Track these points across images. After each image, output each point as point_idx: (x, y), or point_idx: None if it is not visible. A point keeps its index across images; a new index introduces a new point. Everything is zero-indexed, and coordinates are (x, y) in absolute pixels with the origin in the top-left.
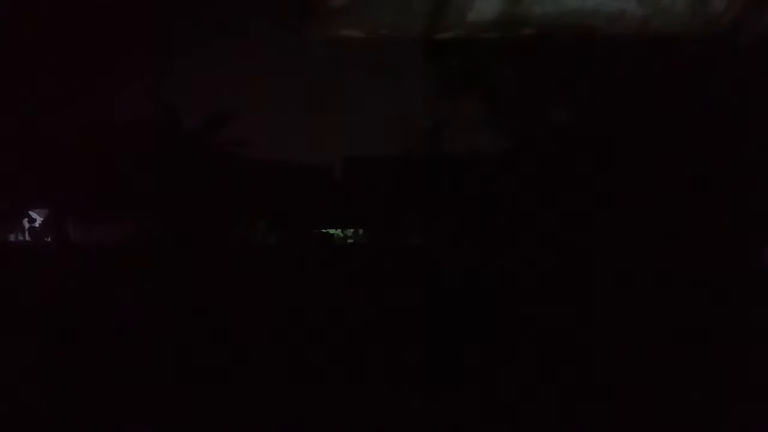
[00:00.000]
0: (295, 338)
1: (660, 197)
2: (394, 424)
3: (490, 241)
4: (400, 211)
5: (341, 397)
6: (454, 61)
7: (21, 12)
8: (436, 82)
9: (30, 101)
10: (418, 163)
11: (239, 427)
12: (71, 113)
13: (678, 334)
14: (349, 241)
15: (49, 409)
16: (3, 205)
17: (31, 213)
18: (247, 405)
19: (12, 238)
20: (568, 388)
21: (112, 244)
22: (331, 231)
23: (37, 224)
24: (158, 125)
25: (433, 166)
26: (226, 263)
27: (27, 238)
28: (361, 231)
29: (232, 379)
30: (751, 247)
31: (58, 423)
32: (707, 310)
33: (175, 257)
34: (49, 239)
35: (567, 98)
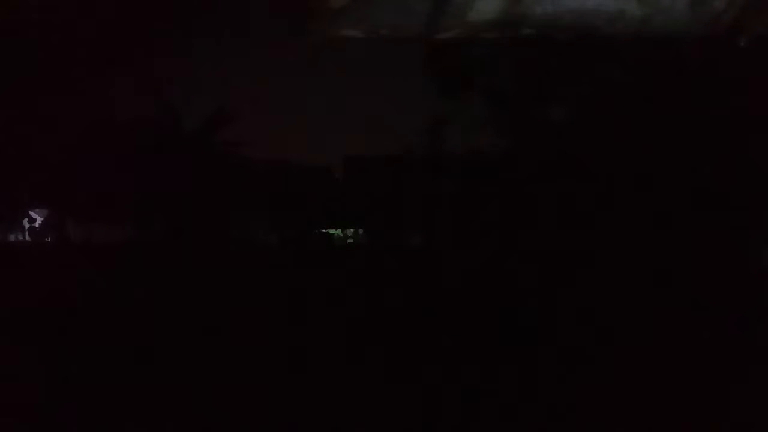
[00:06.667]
0: (295, 337)
1: (660, 196)
2: (394, 423)
3: (490, 240)
4: (400, 211)
5: (341, 396)
6: (454, 60)
7: (21, 12)
8: (436, 82)
9: (30, 101)
10: (418, 163)
11: (240, 427)
12: (72, 113)
13: (678, 332)
14: (349, 241)
15: (48, 408)
16: (3, 205)
17: (31, 213)
18: (248, 404)
19: (12, 238)
20: (569, 388)
21: (112, 243)
22: (331, 231)
23: (37, 224)
24: (159, 125)
25: (433, 165)
26: (227, 262)
27: (27, 238)
28: (361, 231)
29: (232, 379)
30: (752, 245)
31: (59, 422)
32: (709, 309)
33: (175, 256)
34: (50, 239)
35: (567, 98)
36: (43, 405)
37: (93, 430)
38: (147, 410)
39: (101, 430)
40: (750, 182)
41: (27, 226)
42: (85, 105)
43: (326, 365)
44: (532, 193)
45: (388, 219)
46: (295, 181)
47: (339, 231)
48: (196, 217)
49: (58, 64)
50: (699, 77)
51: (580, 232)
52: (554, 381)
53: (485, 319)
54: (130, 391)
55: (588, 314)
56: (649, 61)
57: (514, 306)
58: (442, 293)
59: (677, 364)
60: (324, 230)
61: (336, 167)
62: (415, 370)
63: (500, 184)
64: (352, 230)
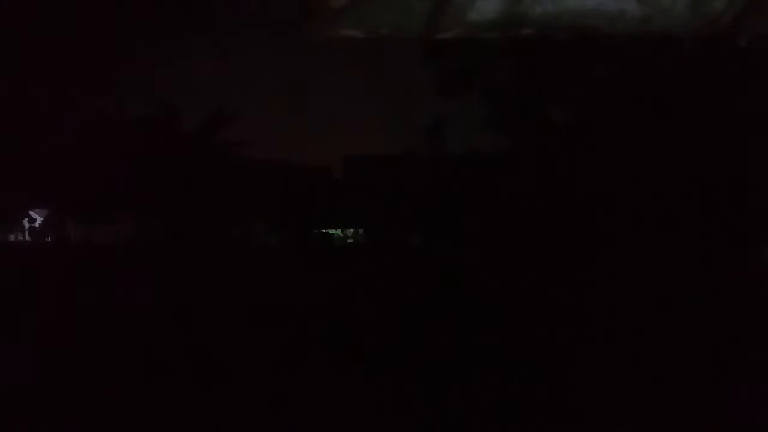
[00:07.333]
0: (294, 337)
1: (659, 196)
2: (393, 423)
3: (490, 240)
4: (400, 211)
5: (341, 395)
6: (454, 61)
7: (21, 12)
8: (436, 82)
9: (31, 101)
10: (418, 163)
11: (239, 427)
12: (72, 113)
13: (677, 333)
14: (349, 241)
15: (49, 408)
16: (3, 205)
17: (31, 213)
18: (248, 404)
19: (12, 238)
20: (569, 388)
21: (112, 243)
22: (331, 231)
23: (37, 224)
24: (159, 125)
25: (433, 165)
26: (227, 262)
27: (27, 238)
28: (361, 231)
29: (232, 379)
30: (751, 243)
31: (58, 423)
32: (708, 309)
33: (175, 256)
34: (50, 239)
35: (566, 98)
36: (42, 404)
37: (93, 430)
38: (147, 410)
39: (100, 431)
40: (750, 182)
41: (27, 226)
42: (85, 105)
43: (326, 365)
44: (531, 192)
45: (388, 219)
46: (295, 181)
47: (339, 231)
48: (196, 217)
49: (58, 64)
50: (699, 77)
51: (579, 232)
52: (554, 381)
53: (485, 318)
54: (130, 392)
55: (588, 314)
56: (649, 60)
57: (514, 305)
58: (441, 293)
59: (677, 363)
60: (324, 230)
61: (336, 167)
62: (415, 370)
63: (500, 184)
64: (352, 230)
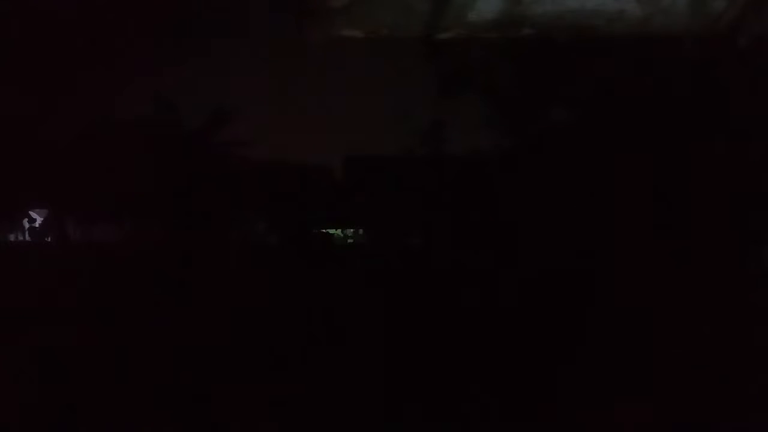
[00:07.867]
0: (294, 338)
1: (660, 196)
2: (393, 424)
3: (489, 240)
4: (399, 210)
5: (340, 396)
6: (454, 61)
7: (21, 13)
8: (436, 82)
9: (30, 102)
10: (418, 163)
11: (238, 425)
12: (71, 114)
13: (678, 334)
14: (349, 241)
15: (48, 409)
16: (3, 205)
17: (31, 213)
18: (247, 404)
19: (12, 238)
20: (568, 387)
21: (112, 244)
22: (331, 231)
23: (37, 224)
24: (159, 125)
25: (433, 165)
26: (226, 263)
27: (27, 238)
28: (361, 231)
29: (231, 381)
30: (751, 245)
31: (58, 423)
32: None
33: (175, 256)
34: (50, 239)
35: (567, 98)
36: (42, 404)
37: (92, 430)
38: (146, 410)
39: (99, 430)
40: (750, 182)
41: (27, 226)
42: (85, 105)
43: (325, 365)
44: (532, 192)
45: (388, 219)
46: (295, 181)
47: (339, 231)
48: (196, 217)
49: (58, 65)
50: (698, 77)
51: (580, 232)
52: (556, 380)
53: (484, 317)
54: (130, 391)
55: (587, 314)
56: (648, 61)
57: (512, 305)
58: (441, 292)
59: (678, 363)
60: (324, 230)
61: (336, 167)
62: (414, 369)
63: (500, 184)
64: (352, 230)
